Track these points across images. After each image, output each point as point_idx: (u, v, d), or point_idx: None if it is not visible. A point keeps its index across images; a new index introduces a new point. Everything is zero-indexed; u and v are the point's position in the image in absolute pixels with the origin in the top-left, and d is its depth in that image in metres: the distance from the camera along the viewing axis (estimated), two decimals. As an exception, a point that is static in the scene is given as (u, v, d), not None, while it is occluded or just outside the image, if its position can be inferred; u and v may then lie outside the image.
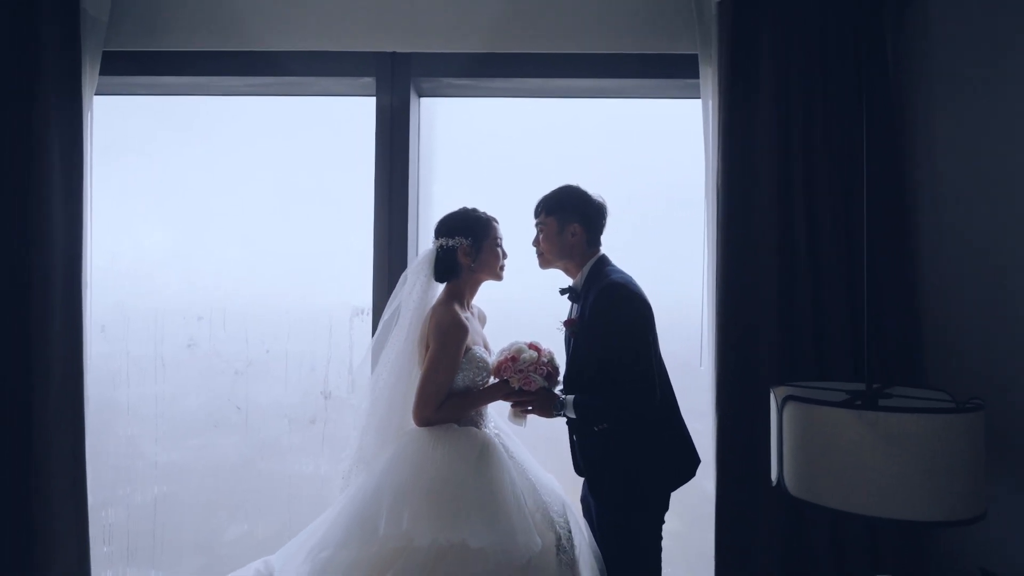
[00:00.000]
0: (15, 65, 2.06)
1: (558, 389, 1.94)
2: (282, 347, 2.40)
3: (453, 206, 2.04)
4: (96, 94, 2.16)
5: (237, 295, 2.42)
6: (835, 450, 1.44)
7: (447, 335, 1.83)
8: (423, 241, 2.39)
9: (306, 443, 2.41)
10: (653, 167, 2.41)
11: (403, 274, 2.01)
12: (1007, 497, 1.72)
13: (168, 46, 2.25)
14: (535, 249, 1.99)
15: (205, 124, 2.47)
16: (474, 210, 2.00)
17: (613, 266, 1.91)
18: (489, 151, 2.49)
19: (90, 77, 2.12)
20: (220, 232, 2.44)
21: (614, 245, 2.01)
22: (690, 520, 2.22)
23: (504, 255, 2.02)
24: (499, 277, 2.01)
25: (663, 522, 1.86)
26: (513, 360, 1.88)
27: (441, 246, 1.95)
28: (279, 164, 2.43)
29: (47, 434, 2.04)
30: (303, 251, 2.43)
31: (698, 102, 2.18)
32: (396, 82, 2.27)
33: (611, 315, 1.77)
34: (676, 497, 1.88)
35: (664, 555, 1.87)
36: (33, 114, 2.05)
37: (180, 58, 2.25)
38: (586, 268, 1.92)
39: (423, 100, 2.41)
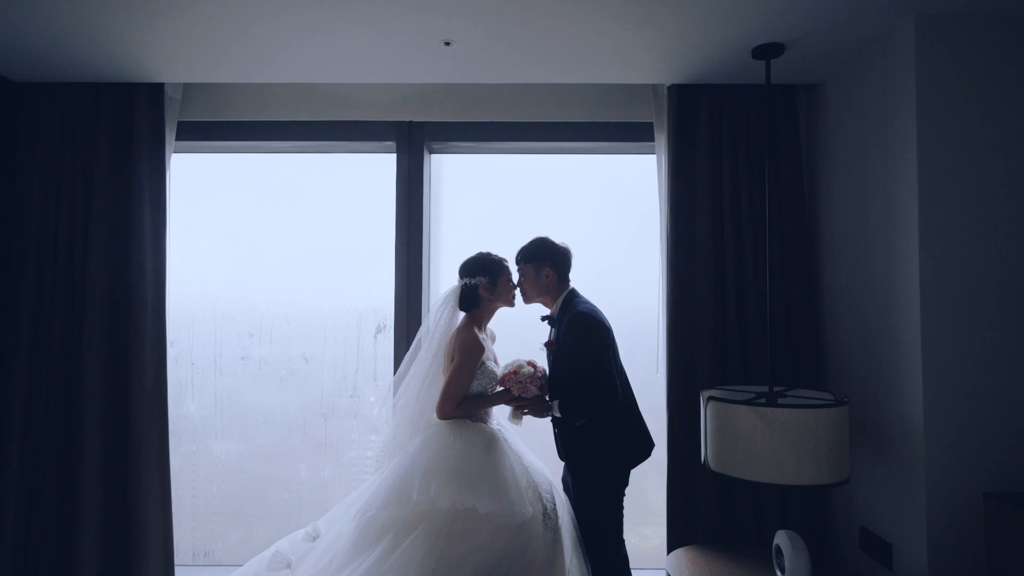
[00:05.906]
0: (120, 136, 2.55)
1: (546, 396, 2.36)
2: (319, 356, 2.88)
3: (457, 239, 2.49)
4: (174, 153, 2.63)
5: (283, 314, 2.87)
6: (740, 436, 1.91)
7: (468, 352, 2.23)
8: (434, 269, 2.86)
9: (340, 438, 2.88)
10: (620, 208, 2.90)
11: (431, 307, 2.43)
12: (879, 472, 2.15)
13: (228, 117, 2.73)
14: (519, 289, 2.41)
15: (258, 174, 2.93)
16: (488, 254, 2.38)
17: (581, 297, 2.32)
18: (487, 195, 2.96)
19: (169, 142, 2.59)
20: (269, 262, 2.89)
21: (593, 276, 2.48)
22: (650, 491, 2.74)
23: (515, 286, 2.40)
24: (512, 304, 2.41)
25: (624, 494, 2.29)
26: (515, 373, 2.26)
27: (465, 284, 2.34)
28: (318, 208, 2.90)
29: (139, 429, 2.50)
30: (336, 277, 2.89)
31: (653, 158, 2.70)
32: (412, 145, 2.76)
33: (579, 338, 2.18)
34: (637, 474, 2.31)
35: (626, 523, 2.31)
36: (131, 173, 2.53)
37: (238, 126, 2.74)
38: (559, 300, 2.34)
39: (433, 156, 2.89)
